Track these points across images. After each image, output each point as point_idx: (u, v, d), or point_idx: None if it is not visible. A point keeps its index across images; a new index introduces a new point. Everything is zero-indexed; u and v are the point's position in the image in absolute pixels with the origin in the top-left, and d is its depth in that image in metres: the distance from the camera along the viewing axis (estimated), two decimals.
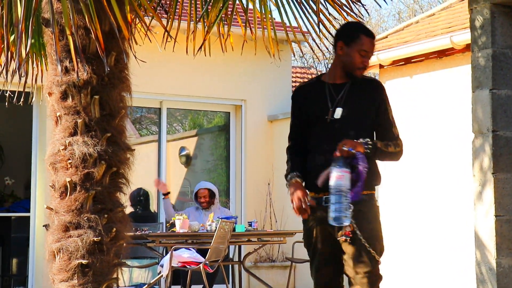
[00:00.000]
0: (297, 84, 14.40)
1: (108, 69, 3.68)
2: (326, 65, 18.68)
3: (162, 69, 9.17)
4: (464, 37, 6.81)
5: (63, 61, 3.68)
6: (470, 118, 4.62)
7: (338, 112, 3.81)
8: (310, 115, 3.89)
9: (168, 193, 8.63)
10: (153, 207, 9.69)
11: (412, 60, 7.40)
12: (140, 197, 9.62)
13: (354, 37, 3.86)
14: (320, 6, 4.51)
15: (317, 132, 3.86)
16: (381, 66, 7.68)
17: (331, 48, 4.06)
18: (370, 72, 9.06)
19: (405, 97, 7.43)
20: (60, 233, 3.73)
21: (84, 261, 3.66)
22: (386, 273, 3.96)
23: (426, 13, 8.56)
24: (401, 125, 7.37)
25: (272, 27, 4.62)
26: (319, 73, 15.39)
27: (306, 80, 14.68)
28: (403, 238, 7.47)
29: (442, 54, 7.24)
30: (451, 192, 7.18)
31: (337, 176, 3.62)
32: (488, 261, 4.46)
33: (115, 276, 3.81)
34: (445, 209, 7.19)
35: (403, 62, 7.48)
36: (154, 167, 9.60)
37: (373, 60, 7.59)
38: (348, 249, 3.72)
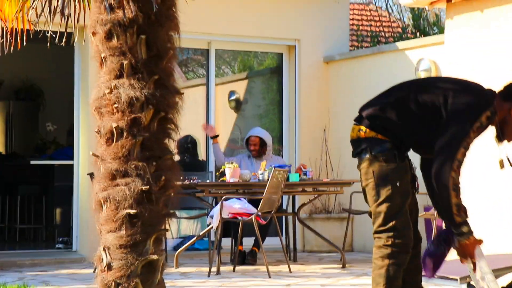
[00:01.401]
0: (355, 22, 14.19)
1: (156, 7, 3.66)
2: (386, 0, 18.32)
3: (210, 7, 9.10)
4: None
5: None
6: None
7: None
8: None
9: (217, 136, 8.65)
10: (201, 155, 9.75)
11: None
12: (188, 145, 9.67)
13: None
14: None
15: None
16: (448, 0, 7.47)
17: None
18: (435, 8, 8.84)
19: (475, 35, 7.24)
20: (106, 181, 3.77)
21: (132, 211, 3.70)
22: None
23: None
24: (470, 67, 7.21)
25: None
26: (378, 10, 15.13)
27: (363, 17, 14.45)
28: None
29: None
30: None
31: None
32: None
33: (164, 227, 3.85)
34: None
35: None
36: (202, 113, 9.63)
37: None
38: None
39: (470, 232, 3.73)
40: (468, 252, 3.76)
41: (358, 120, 3.93)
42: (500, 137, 3.90)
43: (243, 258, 8.11)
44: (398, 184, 3.79)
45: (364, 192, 3.93)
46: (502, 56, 7.10)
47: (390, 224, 3.79)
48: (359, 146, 3.89)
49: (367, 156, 3.84)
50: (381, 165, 3.82)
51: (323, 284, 6.77)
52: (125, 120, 3.75)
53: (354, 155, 3.96)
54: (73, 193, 8.86)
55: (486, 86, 4.05)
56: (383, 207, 3.81)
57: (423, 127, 3.84)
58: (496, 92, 3.92)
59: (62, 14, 3.79)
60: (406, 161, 3.86)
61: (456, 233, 3.73)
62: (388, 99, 3.95)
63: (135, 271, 3.68)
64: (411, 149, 3.96)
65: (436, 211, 3.94)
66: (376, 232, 3.86)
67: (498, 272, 4.25)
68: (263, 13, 9.60)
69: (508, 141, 3.91)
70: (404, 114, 3.86)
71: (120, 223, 3.70)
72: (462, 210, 3.71)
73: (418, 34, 12.82)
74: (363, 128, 3.88)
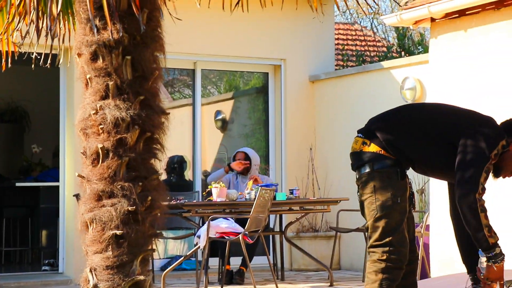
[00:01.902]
0: (340, 42, 14.29)
1: (144, 27, 3.67)
2: (371, 20, 18.47)
3: (196, 27, 9.14)
4: None
5: (93, 19, 3.69)
6: None
7: None
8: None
9: (232, 170, 8.59)
10: (188, 176, 9.75)
11: (466, 12, 7.26)
12: (175, 165, 9.67)
13: None
14: None
15: None
16: (432, 20, 7.54)
17: (377, 0, 4.00)
18: (420, 27, 8.91)
19: (459, 53, 7.32)
20: (92, 202, 3.77)
21: (118, 232, 3.70)
22: None
23: None
24: (455, 85, 7.27)
25: None
26: (363, 29, 15.26)
27: (348, 37, 14.55)
28: None
29: (500, 4, 7.09)
30: None
31: None
32: None
33: (151, 247, 3.84)
34: None
35: (457, 15, 7.34)
36: (188, 133, 9.64)
37: (424, 13, 7.46)
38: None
39: (502, 253, 3.73)
40: (499, 275, 3.73)
41: (366, 134, 3.92)
42: (496, 173, 3.91)
43: (231, 278, 8.09)
44: (398, 200, 3.80)
45: (361, 206, 3.92)
46: (486, 74, 7.17)
47: (387, 239, 3.80)
48: (360, 160, 3.87)
49: (369, 170, 3.83)
50: (383, 180, 3.81)
51: None
52: (110, 141, 3.76)
53: (354, 168, 3.93)
54: (59, 214, 8.82)
55: (471, 104, 4.08)
56: (381, 222, 3.81)
57: (438, 150, 3.86)
58: None
59: (49, 33, 3.80)
60: (406, 179, 3.87)
61: (489, 256, 3.72)
62: (404, 119, 3.94)
63: None
64: (410, 168, 3.96)
65: (458, 247, 3.88)
66: (371, 246, 3.85)
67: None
68: (249, 33, 9.64)
69: (504, 177, 3.92)
70: (419, 137, 3.86)
71: (106, 244, 3.70)
72: (493, 231, 3.73)
73: (403, 53, 12.92)
74: (367, 141, 3.87)
